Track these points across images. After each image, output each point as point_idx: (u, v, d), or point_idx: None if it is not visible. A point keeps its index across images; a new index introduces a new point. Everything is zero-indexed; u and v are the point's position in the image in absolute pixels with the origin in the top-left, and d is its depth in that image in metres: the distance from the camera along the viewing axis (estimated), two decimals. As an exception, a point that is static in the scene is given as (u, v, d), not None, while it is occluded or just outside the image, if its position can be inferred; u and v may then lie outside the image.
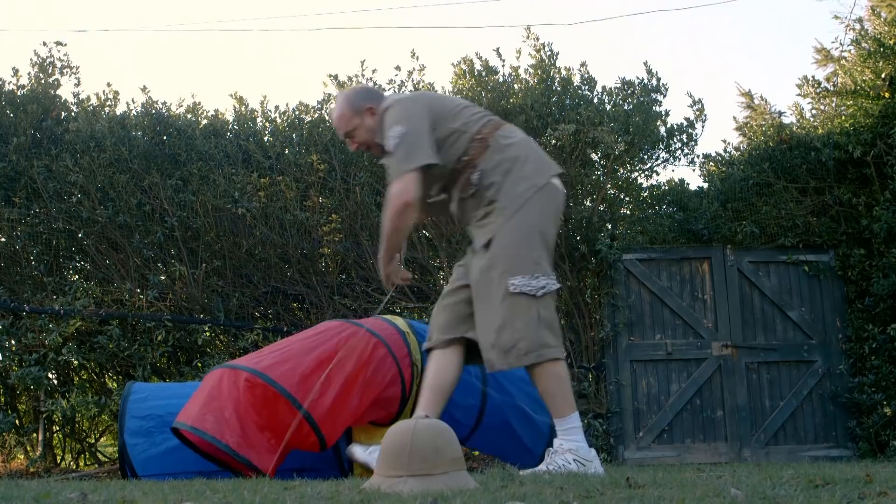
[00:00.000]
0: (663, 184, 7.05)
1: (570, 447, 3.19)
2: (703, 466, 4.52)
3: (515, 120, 6.29)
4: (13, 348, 5.74)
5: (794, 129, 6.98)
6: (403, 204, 3.26)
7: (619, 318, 6.39)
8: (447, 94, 6.74)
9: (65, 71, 6.34)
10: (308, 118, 6.53)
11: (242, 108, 6.58)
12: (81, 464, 6.32)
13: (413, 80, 6.66)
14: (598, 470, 3.17)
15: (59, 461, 6.18)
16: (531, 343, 3.19)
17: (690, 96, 6.77)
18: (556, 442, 3.24)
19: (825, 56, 7.48)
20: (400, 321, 4.08)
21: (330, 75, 6.67)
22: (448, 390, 3.34)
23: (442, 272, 6.72)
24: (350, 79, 6.66)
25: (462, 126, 3.37)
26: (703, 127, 6.75)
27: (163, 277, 6.07)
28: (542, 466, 3.18)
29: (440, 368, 3.34)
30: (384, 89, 6.60)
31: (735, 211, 6.67)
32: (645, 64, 6.68)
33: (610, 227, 6.63)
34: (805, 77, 7.22)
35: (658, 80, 6.66)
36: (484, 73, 6.68)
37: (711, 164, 7.11)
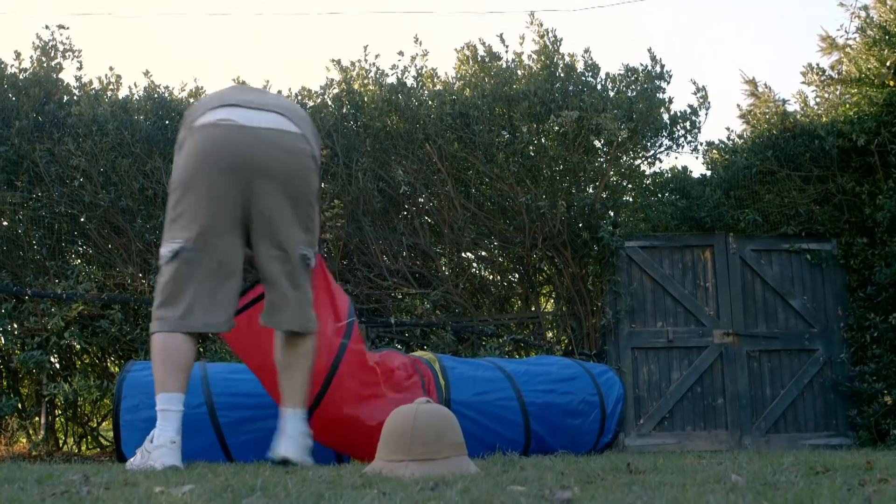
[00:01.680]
0: (666, 171, 7.05)
1: (149, 437, 3.04)
2: (704, 453, 4.54)
3: (518, 106, 6.28)
4: (16, 332, 5.74)
5: (798, 117, 6.96)
6: None
7: (621, 305, 6.39)
8: (449, 79, 6.73)
9: (67, 54, 6.32)
10: (311, 103, 6.51)
11: (245, 93, 6.55)
12: (83, 448, 6.33)
13: (416, 66, 6.65)
14: (157, 463, 2.91)
15: (61, 445, 6.19)
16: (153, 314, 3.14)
17: (694, 83, 6.75)
18: None
19: (830, 44, 7.45)
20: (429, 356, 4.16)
21: (333, 60, 6.68)
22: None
23: (444, 258, 6.72)
24: (353, 63, 6.65)
25: None
26: (706, 114, 6.75)
27: (165, 262, 6.06)
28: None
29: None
30: (387, 75, 6.60)
31: (738, 199, 6.66)
32: (649, 51, 6.66)
33: (612, 214, 6.63)
34: (809, 65, 7.20)
35: (662, 66, 6.64)
36: (487, 59, 6.66)
37: (714, 151, 7.09)
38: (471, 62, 6.71)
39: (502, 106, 6.42)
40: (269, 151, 3.14)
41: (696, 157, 7.82)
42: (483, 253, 6.81)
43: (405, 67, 6.64)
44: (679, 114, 6.69)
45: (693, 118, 6.71)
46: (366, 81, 6.62)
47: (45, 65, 6.23)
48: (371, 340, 5.93)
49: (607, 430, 4.31)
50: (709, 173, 6.99)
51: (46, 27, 6.22)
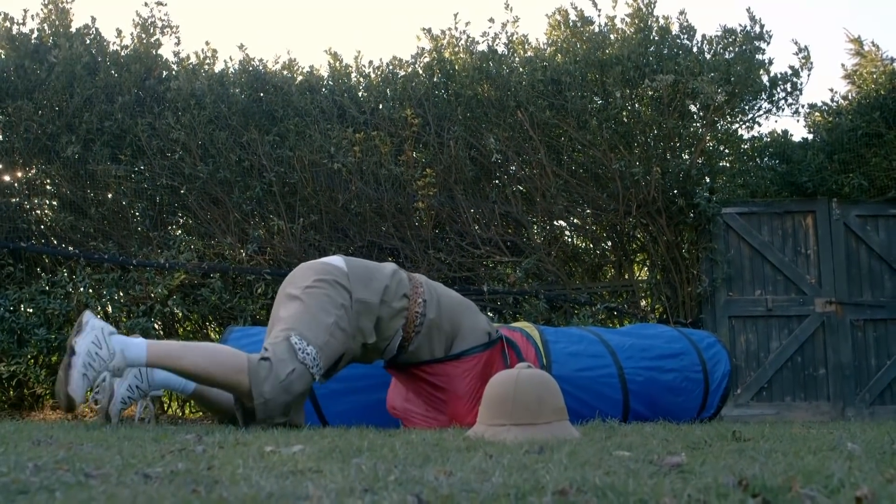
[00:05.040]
0: (765, 135, 6.83)
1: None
2: (811, 423, 4.42)
3: (611, 71, 6.16)
4: (122, 300, 5.96)
5: (908, 76, 6.64)
6: None
7: (718, 273, 6.26)
8: (540, 46, 6.66)
9: (165, 30, 6.46)
10: (402, 73, 6.53)
11: (337, 64, 6.61)
12: (187, 411, 6.56)
13: (507, 33, 6.59)
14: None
15: (165, 409, 6.43)
16: None
17: (796, 43, 6.50)
18: None
19: (942, -2, 7.06)
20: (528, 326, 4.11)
21: (423, 29, 6.66)
22: None
23: (536, 226, 6.68)
24: (444, 32, 6.63)
25: None
26: (808, 76, 6.50)
27: (261, 232, 6.20)
28: None
29: None
30: (478, 42, 6.57)
31: (842, 163, 6.41)
32: (748, 10, 6.44)
33: (709, 180, 6.47)
34: (920, 21, 6.85)
35: (761, 26, 6.41)
36: (579, 24, 6.55)
37: (817, 114, 6.83)
38: (562, 27, 6.61)
39: (595, 71, 6.32)
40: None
41: (798, 121, 7.56)
42: (575, 221, 6.74)
43: (496, 34, 6.59)
44: (779, 75, 6.46)
45: (794, 80, 6.48)
46: (456, 49, 6.60)
47: (144, 41, 6.39)
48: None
49: (709, 407, 4.21)
50: (811, 137, 6.75)
51: (146, 4, 6.37)
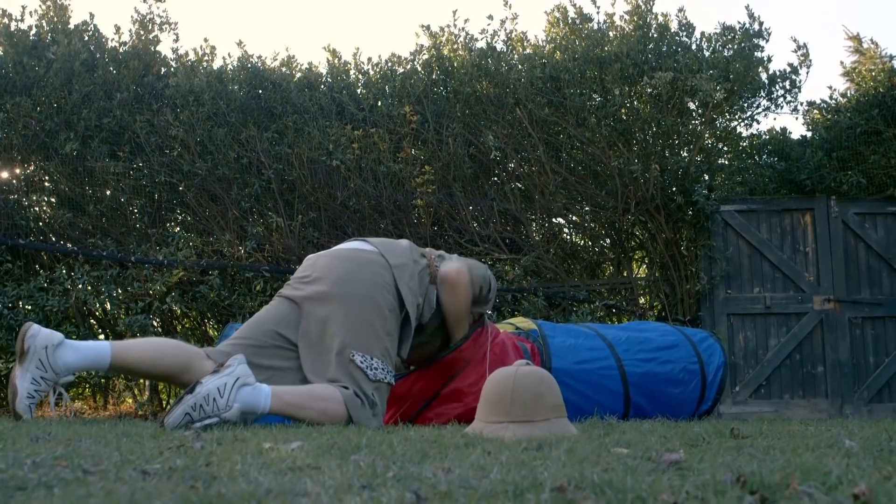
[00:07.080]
0: (764, 133, 6.85)
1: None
2: (810, 420, 4.42)
3: (610, 68, 6.16)
4: (120, 297, 5.96)
5: (907, 73, 6.65)
6: None
7: (717, 270, 6.26)
8: (539, 43, 6.66)
9: (164, 27, 6.45)
10: (400, 69, 6.52)
11: (336, 61, 6.61)
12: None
13: (506, 30, 6.59)
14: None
15: (164, 405, 6.42)
16: None
17: (794, 41, 6.52)
18: None
19: (941, -4, 7.07)
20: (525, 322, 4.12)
21: (422, 26, 6.66)
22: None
23: (535, 223, 6.68)
24: (442, 29, 6.63)
25: None
26: (807, 73, 6.50)
27: (260, 229, 6.20)
28: None
29: None
30: (476, 39, 6.57)
31: (840, 160, 6.42)
32: (747, 8, 6.45)
33: (707, 177, 6.48)
34: (919, 18, 6.86)
35: (760, 24, 6.42)
36: (578, 21, 6.55)
37: (816, 111, 6.84)
38: (561, 24, 6.61)
39: (594, 68, 6.31)
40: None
41: (796, 118, 7.58)
42: (574, 218, 6.74)
43: (495, 31, 6.59)
44: (778, 73, 6.47)
45: (793, 77, 6.48)
46: (455, 47, 6.60)
47: (143, 38, 6.38)
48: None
49: (707, 399, 4.21)
50: (809, 134, 6.77)
51: (144, 0, 6.36)
